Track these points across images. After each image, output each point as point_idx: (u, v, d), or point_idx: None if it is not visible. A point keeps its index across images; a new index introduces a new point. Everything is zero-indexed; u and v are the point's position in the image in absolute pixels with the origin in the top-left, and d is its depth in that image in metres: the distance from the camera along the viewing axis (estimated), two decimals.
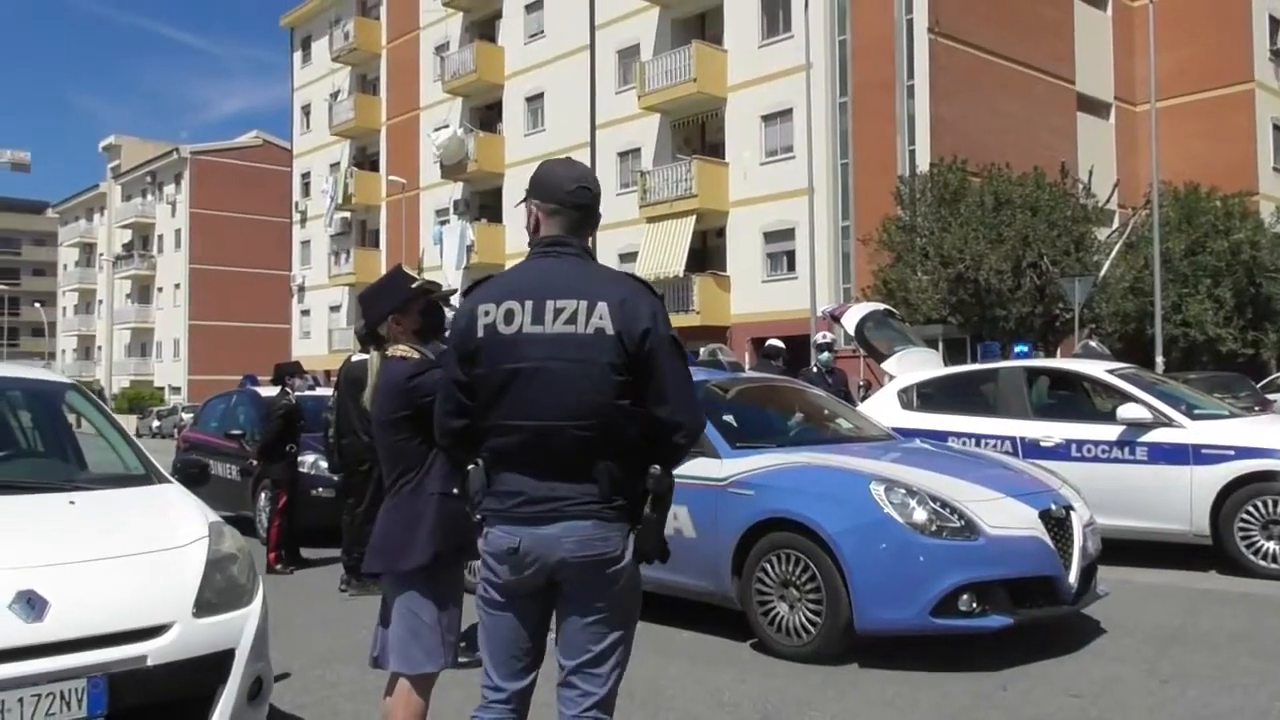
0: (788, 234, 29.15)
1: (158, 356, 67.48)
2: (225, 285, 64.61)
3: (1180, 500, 7.55)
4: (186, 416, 41.23)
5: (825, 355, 11.46)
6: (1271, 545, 7.30)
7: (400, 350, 3.43)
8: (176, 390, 63.84)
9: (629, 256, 31.79)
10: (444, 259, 36.10)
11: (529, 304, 2.50)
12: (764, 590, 5.43)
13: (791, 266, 29.22)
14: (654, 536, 2.55)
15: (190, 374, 63.92)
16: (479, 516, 2.57)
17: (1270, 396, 20.88)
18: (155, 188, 68.34)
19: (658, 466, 2.53)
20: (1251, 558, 7.34)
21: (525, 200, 2.69)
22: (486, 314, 2.53)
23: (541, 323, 2.48)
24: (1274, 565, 7.28)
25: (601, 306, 2.47)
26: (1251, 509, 7.35)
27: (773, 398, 7.45)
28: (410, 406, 3.25)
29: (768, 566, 5.40)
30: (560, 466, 2.46)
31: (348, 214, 45.93)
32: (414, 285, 3.52)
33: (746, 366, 8.38)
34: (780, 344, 11.82)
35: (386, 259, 43.35)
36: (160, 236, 67.79)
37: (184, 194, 65.49)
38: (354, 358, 7.72)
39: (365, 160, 45.96)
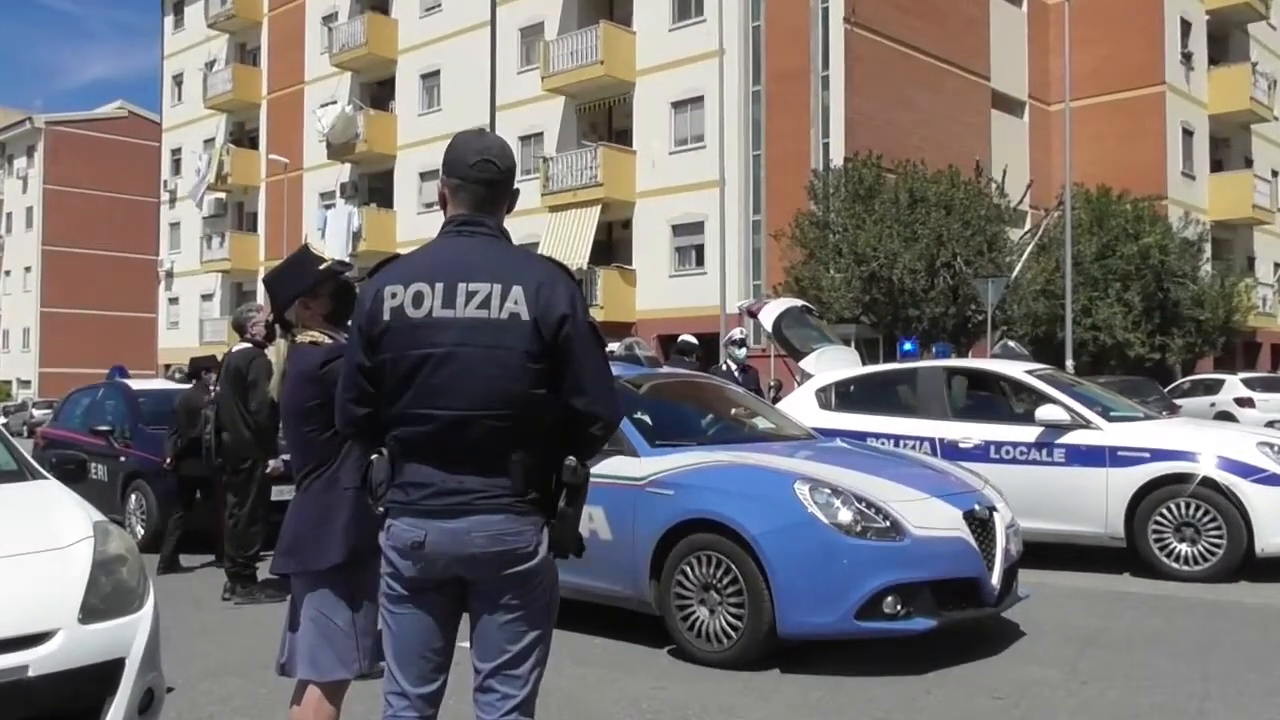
0: (697, 227, 29.46)
1: (4, 347, 64.53)
2: (83, 269, 62.14)
3: (1096, 502, 7.88)
4: (39, 413, 39.64)
5: (740, 352, 11.63)
6: (1183, 547, 7.67)
7: (310, 336, 3.39)
8: (26, 384, 61.15)
9: (530, 247, 31.77)
10: (328, 246, 35.38)
11: (439, 286, 2.49)
12: (684, 594, 5.48)
13: (701, 261, 29.52)
14: (570, 530, 2.56)
15: (42, 366, 61.32)
16: (382, 509, 2.56)
17: (1177, 401, 21.98)
18: (4, 160, 65.30)
19: (573, 459, 2.55)
20: (1165, 560, 7.71)
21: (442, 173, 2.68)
22: (394, 296, 2.52)
23: (453, 306, 2.47)
24: (1186, 567, 7.66)
25: (516, 290, 2.47)
26: (1165, 511, 7.71)
27: (690, 394, 7.53)
28: (323, 395, 3.20)
29: (687, 569, 5.46)
30: (471, 458, 2.46)
31: (223, 195, 44.71)
32: (324, 266, 3.46)
33: (662, 362, 8.43)
34: (693, 340, 11.97)
35: (266, 244, 42.34)
36: (9, 215, 64.85)
37: (37, 168, 62.74)
38: (235, 348, 7.62)
39: (243, 137, 44.78)
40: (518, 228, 32.46)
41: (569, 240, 30.29)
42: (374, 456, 2.57)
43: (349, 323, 3.10)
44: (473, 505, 2.46)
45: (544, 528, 2.53)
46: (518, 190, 2.72)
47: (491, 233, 2.59)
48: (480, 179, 2.60)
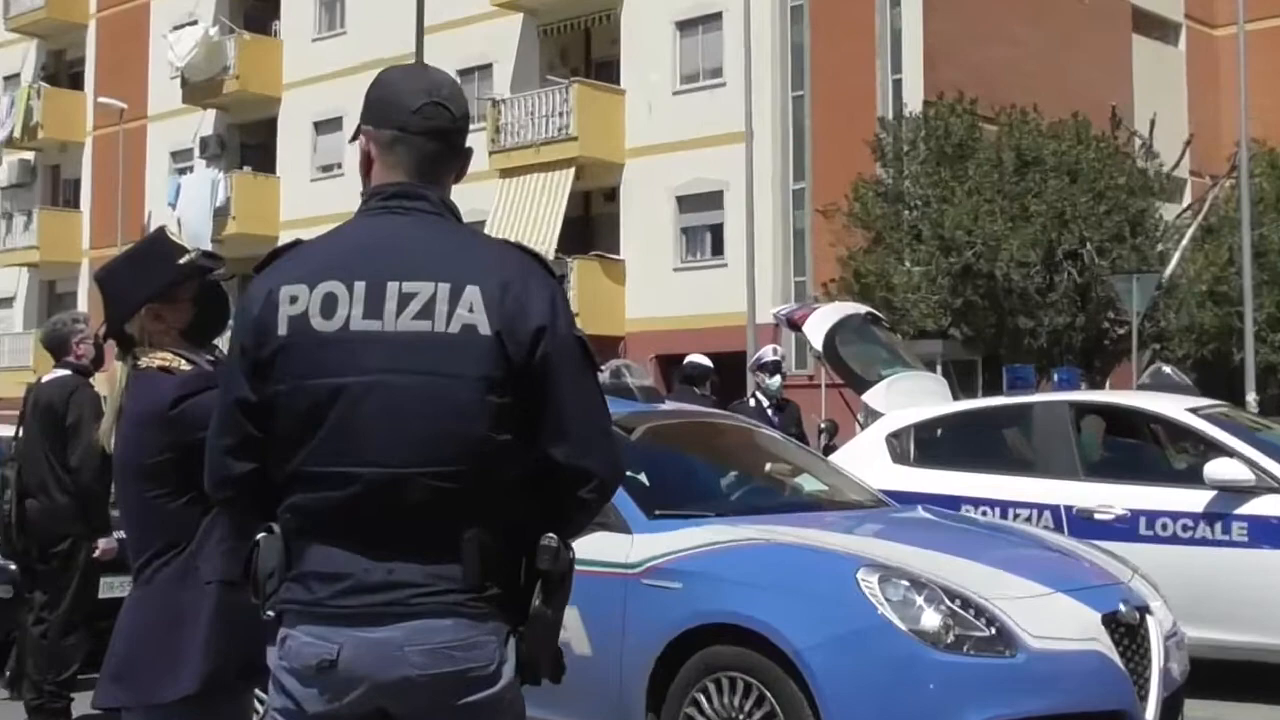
0: (713, 199, 29.58)
1: None
2: None
3: None
4: None
5: (775, 380, 11.62)
6: None
7: (161, 359, 3.41)
8: None
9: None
10: (184, 226, 35.39)
11: (360, 287, 2.49)
12: None
13: (719, 248, 29.61)
14: (546, 643, 2.58)
15: None
16: (272, 613, 2.55)
17: None
18: None
19: (553, 536, 2.55)
20: None
21: (359, 129, 2.67)
22: (293, 300, 2.52)
23: (379, 315, 2.48)
24: None
25: (472, 293, 2.49)
26: None
27: (705, 441, 7.51)
28: (175, 446, 3.23)
29: (702, 700, 5.43)
30: (406, 536, 2.47)
31: (30, 154, 44.77)
32: (184, 260, 3.50)
33: (664, 396, 8.41)
34: (706, 362, 11.93)
35: (92, 226, 42.42)
36: None
37: None
38: (46, 377, 7.63)
39: (61, 72, 44.97)
40: (454, 197, 32.26)
41: (528, 217, 30.42)
42: (260, 535, 2.57)
43: (222, 339, 3.11)
44: (408, 606, 2.45)
45: (508, 639, 2.53)
46: (470, 150, 2.73)
47: (435, 210, 2.61)
48: (428, 129, 2.62)
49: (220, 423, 2.62)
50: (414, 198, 2.60)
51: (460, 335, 2.48)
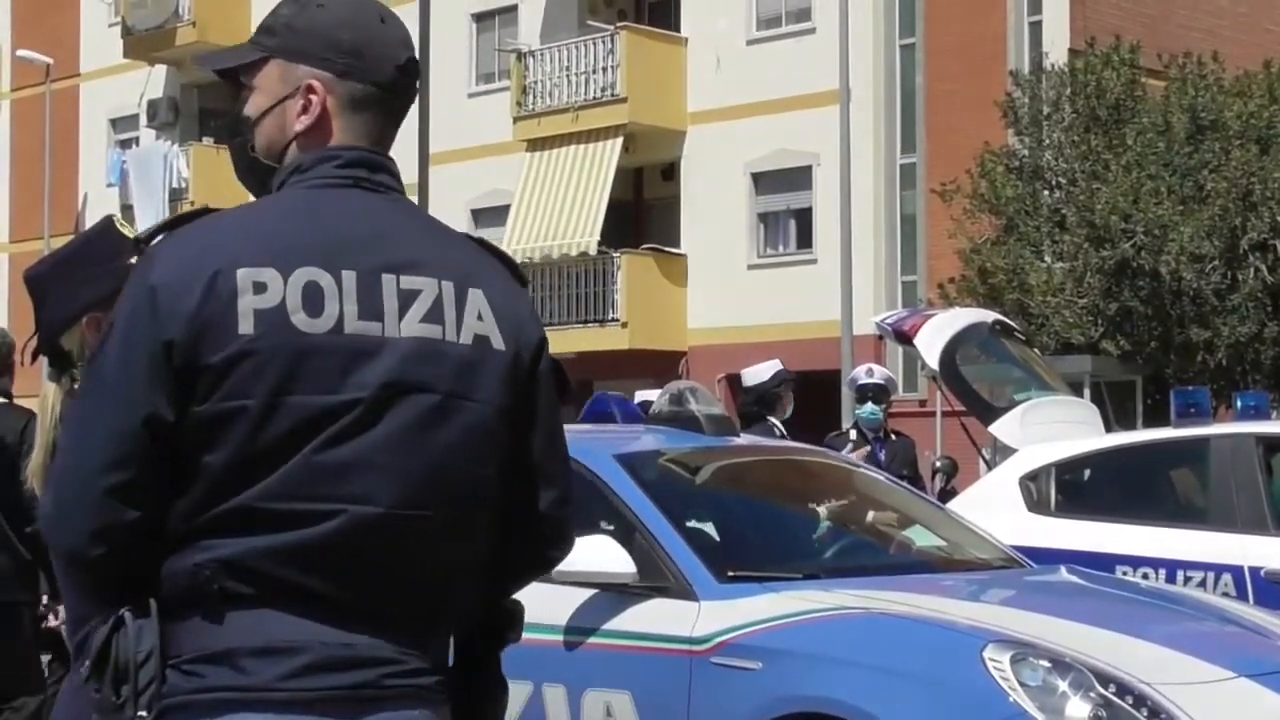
0: (799, 176, 29.63)
1: None
2: None
3: None
4: None
5: (869, 409, 11.61)
6: None
7: None
8: None
9: (491, 214, 31.93)
10: (136, 212, 35.62)
11: (349, 277, 2.50)
12: None
13: (806, 239, 29.64)
14: None
15: None
16: (145, 713, 2.42)
17: None
18: None
19: (517, 601, 2.72)
20: None
21: (277, 54, 2.66)
22: (260, 289, 2.46)
23: (379, 316, 2.50)
24: None
25: (477, 298, 2.56)
26: None
27: (792, 484, 7.59)
28: None
29: None
30: (382, 598, 2.48)
31: None
32: (135, 257, 3.47)
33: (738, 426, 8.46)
34: (782, 370, 11.79)
35: (11, 211, 42.74)
36: None
37: None
38: None
39: None
40: (468, 177, 32.66)
41: (563, 201, 30.49)
42: (125, 611, 2.45)
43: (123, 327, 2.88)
44: (380, 689, 2.46)
45: None
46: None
47: (401, 189, 2.68)
48: (407, 86, 2.70)
49: (108, 453, 2.46)
50: (378, 169, 2.64)
51: (474, 349, 2.52)
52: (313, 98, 2.61)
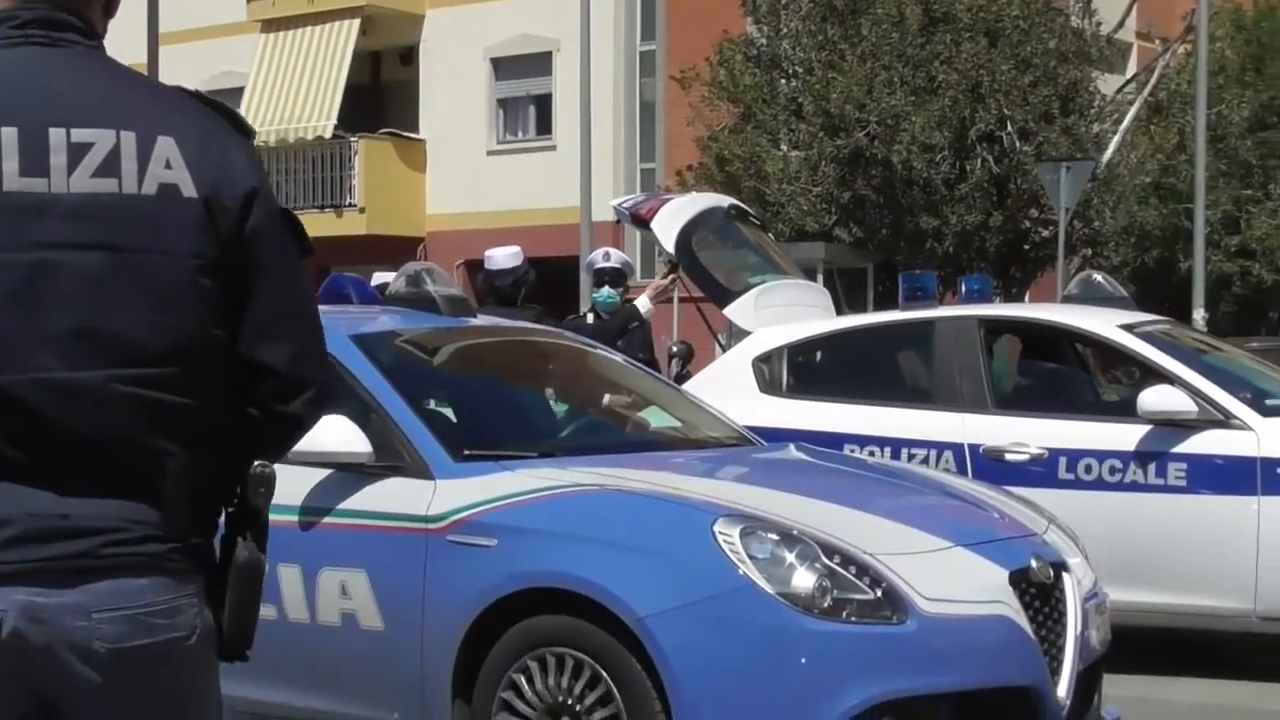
0: (539, 63, 29.57)
1: None
2: None
3: (1240, 556, 8.16)
4: None
5: (606, 293, 11.64)
6: None
7: None
8: None
9: (225, 95, 30.72)
10: None
11: (8, 133, 2.43)
12: None
13: (545, 126, 29.60)
14: (250, 602, 2.61)
15: None
16: None
17: None
18: None
19: (265, 464, 2.62)
20: None
21: None
22: None
23: (44, 172, 2.43)
24: None
25: (166, 145, 2.48)
26: None
27: (528, 365, 7.60)
28: None
29: (522, 682, 5.51)
30: (89, 464, 2.43)
31: None
32: None
33: (476, 308, 8.40)
34: (511, 257, 11.67)
35: None
36: None
37: None
38: None
39: None
40: (199, 59, 31.35)
41: (299, 85, 30.02)
42: None
43: None
44: (97, 559, 2.41)
45: (204, 599, 2.54)
46: None
47: (95, 44, 2.57)
48: None
49: None
50: (61, 26, 2.52)
51: (158, 199, 2.44)
52: None
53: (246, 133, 2.61)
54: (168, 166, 2.45)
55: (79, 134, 2.43)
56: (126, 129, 2.45)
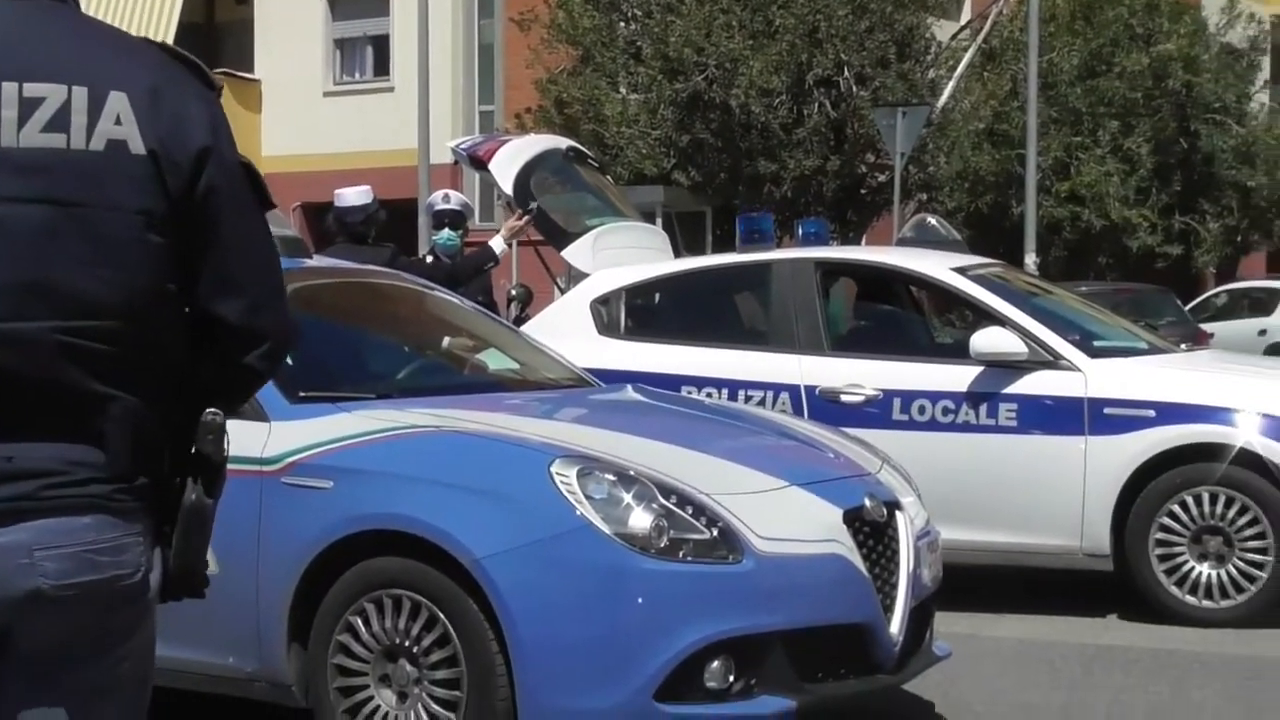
0: (376, 3, 29.40)
1: None
2: None
3: (1067, 494, 8.37)
4: None
5: (446, 235, 11.60)
6: (1206, 569, 8.25)
7: None
8: None
9: None
10: None
11: None
12: (351, 669, 5.55)
13: (383, 66, 29.42)
14: (203, 546, 2.63)
15: None
16: None
17: (1206, 326, 23.31)
18: None
19: (217, 412, 2.62)
20: (1175, 591, 8.28)
21: None
22: None
23: None
24: (1209, 603, 8.24)
25: (117, 100, 2.48)
26: (1178, 509, 8.26)
27: (365, 307, 7.57)
28: None
29: (358, 624, 5.52)
30: (32, 410, 2.45)
31: None
32: None
33: (312, 249, 8.33)
34: (367, 199, 11.69)
35: None
36: None
37: None
38: None
39: None
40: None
41: (131, 19, 29.40)
42: None
43: None
44: (38, 500, 2.44)
45: (154, 541, 2.57)
46: None
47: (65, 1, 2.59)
48: None
49: None
50: None
51: (106, 154, 2.46)
52: None
53: (210, 85, 2.61)
54: (118, 122, 2.46)
55: (31, 88, 2.44)
56: (79, 84, 2.45)
